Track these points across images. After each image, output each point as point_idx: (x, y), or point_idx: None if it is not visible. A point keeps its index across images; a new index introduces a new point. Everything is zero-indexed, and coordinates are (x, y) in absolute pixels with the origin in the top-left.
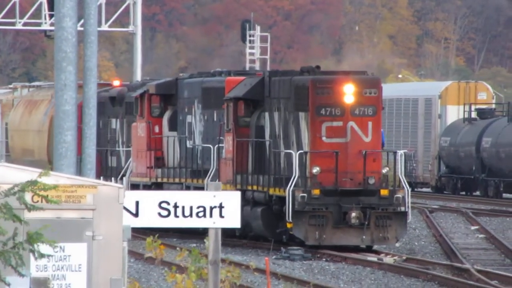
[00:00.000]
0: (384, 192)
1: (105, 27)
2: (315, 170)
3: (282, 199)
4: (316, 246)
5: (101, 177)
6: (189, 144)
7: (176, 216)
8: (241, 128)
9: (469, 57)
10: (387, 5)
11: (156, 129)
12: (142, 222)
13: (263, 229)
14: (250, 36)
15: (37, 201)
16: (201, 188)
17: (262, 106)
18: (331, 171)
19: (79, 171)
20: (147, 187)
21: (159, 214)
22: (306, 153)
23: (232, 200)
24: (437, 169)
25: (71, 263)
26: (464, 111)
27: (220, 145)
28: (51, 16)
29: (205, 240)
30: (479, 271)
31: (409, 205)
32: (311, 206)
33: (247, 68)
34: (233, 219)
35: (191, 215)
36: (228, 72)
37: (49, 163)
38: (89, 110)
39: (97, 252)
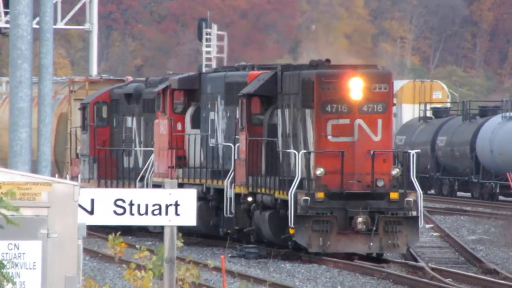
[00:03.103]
0: (394, 195)
1: (61, 25)
2: (319, 171)
3: (287, 203)
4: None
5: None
6: (211, 142)
7: (131, 214)
8: (254, 126)
9: (424, 56)
10: (344, 4)
11: (179, 126)
12: (97, 220)
13: (270, 235)
14: (206, 34)
15: None
16: (221, 190)
17: (276, 103)
18: (337, 173)
19: (92, 172)
20: None
21: (115, 212)
22: (309, 153)
23: (187, 198)
24: None
25: (26, 261)
26: (419, 110)
27: (237, 144)
28: (6, 13)
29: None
30: (433, 269)
31: (422, 209)
32: (314, 210)
33: (204, 67)
34: (188, 217)
35: (146, 213)
36: (252, 66)
37: (56, 163)
38: (44, 108)
39: (52, 250)
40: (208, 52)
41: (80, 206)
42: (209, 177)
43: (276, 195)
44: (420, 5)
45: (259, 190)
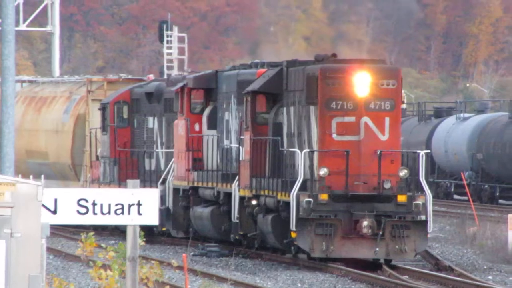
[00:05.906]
0: (401, 198)
1: (23, 27)
2: (323, 172)
3: (289, 205)
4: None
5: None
6: (226, 144)
7: (94, 213)
8: (259, 125)
9: (381, 59)
10: (302, 6)
11: (196, 127)
12: (60, 219)
13: (273, 239)
14: (167, 36)
15: None
16: (229, 193)
17: (281, 101)
18: (342, 173)
19: (112, 174)
20: (186, 192)
21: (78, 211)
22: (312, 152)
23: (150, 198)
24: None
25: None
26: None
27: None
28: None
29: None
30: (390, 267)
31: (431, 213)
32: (317, 213)
33: (165, 69)
34: (151, 216)
35: (109, 212)
36: (262, 64)
37: (73, 166)
38: (7, 109)
39: (15, 249)
40: (169, 54)
41: (43, 205)
42: (220, 180)
43: (279, 197)
44: (376, 8)
45: (262, 193)
